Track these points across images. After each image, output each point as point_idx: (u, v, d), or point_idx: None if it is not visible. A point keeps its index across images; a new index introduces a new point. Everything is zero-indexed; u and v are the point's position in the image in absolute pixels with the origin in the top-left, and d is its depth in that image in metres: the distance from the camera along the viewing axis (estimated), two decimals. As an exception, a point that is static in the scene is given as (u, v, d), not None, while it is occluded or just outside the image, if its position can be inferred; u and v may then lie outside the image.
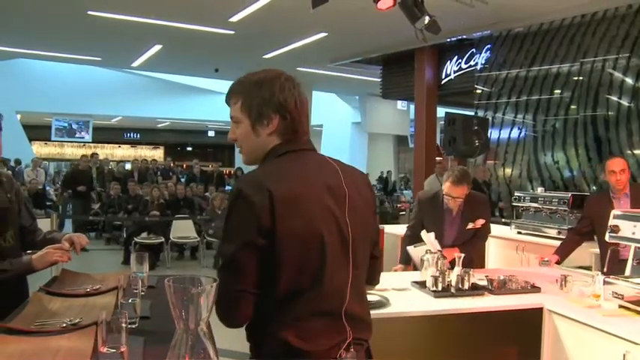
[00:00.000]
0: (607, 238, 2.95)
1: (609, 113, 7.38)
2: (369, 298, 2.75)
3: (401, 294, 2.95)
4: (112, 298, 2.03)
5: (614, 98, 7.31)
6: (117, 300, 1.89)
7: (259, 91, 1.53)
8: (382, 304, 2.69)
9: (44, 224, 6.73)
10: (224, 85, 18.30)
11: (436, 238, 3.54)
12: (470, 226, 3.62)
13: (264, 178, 1.43)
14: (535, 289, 3.06)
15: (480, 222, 3.62)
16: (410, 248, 3.66)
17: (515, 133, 8.70)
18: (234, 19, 8.51)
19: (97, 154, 13.32)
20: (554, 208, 5.21)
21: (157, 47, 11.05)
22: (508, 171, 8.77)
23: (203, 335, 0.98)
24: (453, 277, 2.99)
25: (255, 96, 1.53)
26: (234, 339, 4.99)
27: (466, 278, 2.98)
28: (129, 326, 1.68)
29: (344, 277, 1.48)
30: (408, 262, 3.77)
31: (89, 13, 8.37)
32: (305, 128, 1.59)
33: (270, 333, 1.41)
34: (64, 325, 1.73)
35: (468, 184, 3.57)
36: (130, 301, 1.76)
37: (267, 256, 1.38)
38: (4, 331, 1.68)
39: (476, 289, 2.99)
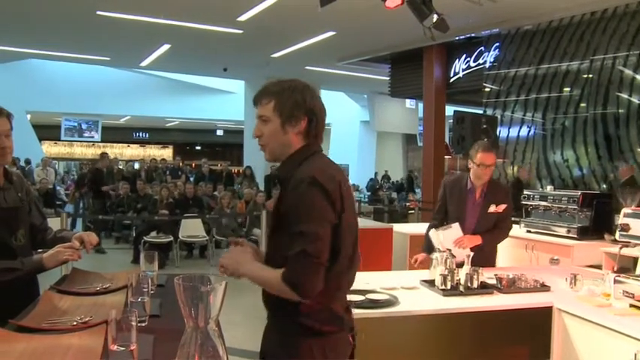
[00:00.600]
0: (617, 236, 2.93)
1: (619, 111, 7.33)
2: (379, 297, 2.77)
3: (410, 292, 2.94)
4: (122, 297, 2.04)
5: (625, 96, 7.26)
6: (127, 298, 1.90)
7: (293, 95, 1.75)
8: (391, 302, 2.69)
9: (54, 223, 6.79)
10: (233, 85, 18.37)
11: (458, 221, 3.60)
12: (492, 209, 3.64)
13: (329, 170, 1.71)
14: (545, 287, 3.05)
15: (502, 207, 3.66)
16: (432, 232, 3.68)
17: (524, 131, 8.66)
18: (243, 18, 8.53)
19: (106, 153, 13.36)
20: (563, 206, 5.18)
21: (166, 47, 11.10)
22: (517, 169, 8.73)
23: (213, 334, 0.99)
24: (461, 275, 2.98)
25: (289, 99, 1.74)
26: (245, 338, 5.03)
27: (475, 277, 2.97)
28: (139, 324, 1.69)
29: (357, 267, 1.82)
30: (430, 251, 3.79)
31: (98, 13, 8.42)
32: (323, 129, 1.83)
33: (322, 303, 1.69)
34: (75, 323, 1.75)
35: (496, 153, 3.72)
36: (139, 299, 1.77)
37: (334, 237, 1.66)
38: (15, 329, 1.69)
39: (485, 288, 2.98)
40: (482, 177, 3.66)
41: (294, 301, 1.65)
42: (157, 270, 2.21)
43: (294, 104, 1.74)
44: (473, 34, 9.24)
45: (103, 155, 11.40)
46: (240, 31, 9.35)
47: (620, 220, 2.88)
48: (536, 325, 2.90)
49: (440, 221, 3.80)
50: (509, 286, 3.02)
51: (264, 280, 1.71)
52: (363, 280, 3.10)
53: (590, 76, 7.70)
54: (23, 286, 2.23)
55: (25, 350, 1.51)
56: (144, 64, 13.13)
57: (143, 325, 1.72)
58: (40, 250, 2.34)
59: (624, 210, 2.93)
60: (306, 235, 1.62)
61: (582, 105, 7.82)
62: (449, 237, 3.51)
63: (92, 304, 1.98)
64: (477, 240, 3.51)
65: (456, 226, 3.58)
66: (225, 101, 20.38)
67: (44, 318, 1.81)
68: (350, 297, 2.16)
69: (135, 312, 1.39)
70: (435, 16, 5.74)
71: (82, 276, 2.38)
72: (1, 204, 2.24)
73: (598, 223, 5.05)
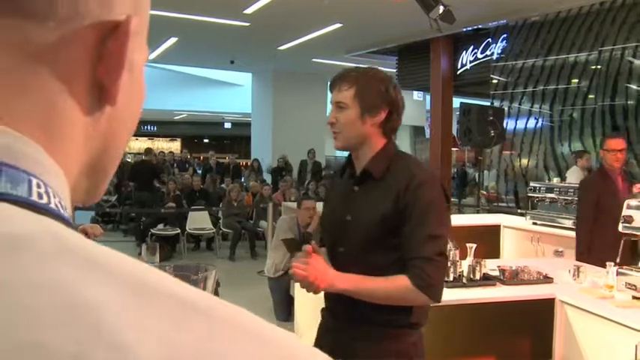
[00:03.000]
0: (620, 228, 2.92)
1: (628, 102, 7.27)
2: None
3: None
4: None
5: (634, 87, 7.20)
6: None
7: (376, 84, 1.68)
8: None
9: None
10: (240, 77, 18.28)
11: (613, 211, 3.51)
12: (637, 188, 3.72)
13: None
14: (547, 279, 3.04)
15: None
16: None
17: (531, 123, 8.61)
18: (249, 10, 8.52)
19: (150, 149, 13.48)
20: (569, 198, 5.15)
21: (173, 40, 11.11)
22: (525, 161, 8.69)
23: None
24: (464, 267, 2.98)
25: (372, 87, 1.67)
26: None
27: (477, 269, 2.97)
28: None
29: None
30: None
31: (105, 6, 8.43)
32: (399, 124, 1.78)
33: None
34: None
35: (624, 138, 3.89)
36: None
37: None
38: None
39: (487, 280, 2.98)
40: (614, 163, 3.77)
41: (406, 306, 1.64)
42: (159, 261, 2.23)
43: (376, 93, 1.67)
44: (480, 26, 9.18)
45: (148, 149, 11.21)
46: (247, 24, 9.34)
47: (624, 211, 2.87)
48: (539, 317, 2.89)
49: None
50: (512, 277, 3.02)
51: (383, 292, 1.60)
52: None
53: (599, 67, 7.64)
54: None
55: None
56: (151, 57, 13.15)
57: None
58: None
59: (627, 202, 2.92)
60: (440, 238, 1.61)
61: (590, 96, 7.76)
62: None
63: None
64: None
65: None
66: (232, 94, 20.38)
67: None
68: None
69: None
70: (442, 8, 5.72)
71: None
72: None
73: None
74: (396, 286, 1.58)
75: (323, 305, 1.83)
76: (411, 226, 1.60)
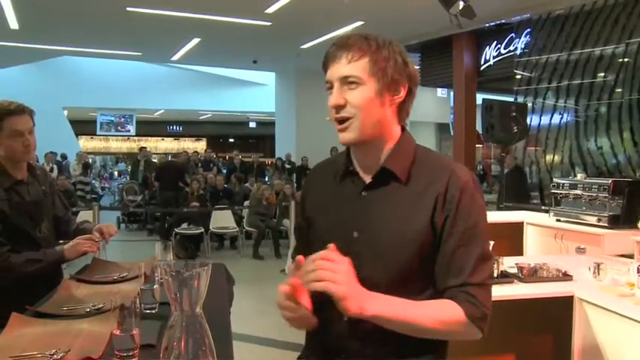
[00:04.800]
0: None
1: (657, 96, 7.10)
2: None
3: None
4: (137, 285, 2.09)
5: (662, 80, 7.03)
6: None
7: (393, 53, 1.27)
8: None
9: (87, 216, 6.96)
10: (264, 77, 18.48)
11: None
12: None
13: None
14: (567, 277, 2.99)
15: None
16: None
17: (556, 118, 8.47)
18: (271, 10, 8.56)
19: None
20: (594, 194, 5.05)
21: (196, 40, 11.22)
22: (549, 157, 8.56)
23: (198, 318, 1.01)
24: (481, 264, 2.94)
25: (390, 57, 1.26)
26: (272, 327, 5.07)
27: (495, 266, 2.93)
28: (150, 311, 1.74)
29: None
30: None
31: (128, 9, 8.57)
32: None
33: None
34: (88, 310, 1.80)
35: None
36: (149, 287, 1.81)
37: None
38: (33, 315, 1.76)
39: (505, 277, 2.94)
40: None
41: None
42: (172, 259, 2.25)
43: (395, 65, 1.26)
44: (503, 21, 9.07)
45: (184, 152, 11.30)
46: (269, 23, 9.39)
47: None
48: (558, 315, 2.85)
49: None
50: (531, 275, 2.97)
51: (429, 325, 1.23)
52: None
53: (626, 60, 7.47)
54: (52, 276, 2.31)
55: (39, 334, 1.57)
56: (174, 58, 13.31)
57: (153, 312, 1.76)
58: (61, 242, 2.42)
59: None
60: (489, 258, 1.28)
61: (617, 90, 7.60)
62: None
63: (107, 292, 2.03)
64: None
65: None
66: (257, 93, 20.51)
67: (61, 305, 1.87)
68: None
69: (136, 299, 1.43)
70: (462, 4, 5.67)
71: (102, 265, 2.45)
72: (25, 197, 2.32)
73: (630, 211, 4.91)
74: (447, 317, 1.23)
75: None
76: (456, 243, 1.24)
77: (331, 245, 1.20)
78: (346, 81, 1.26)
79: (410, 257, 1.25)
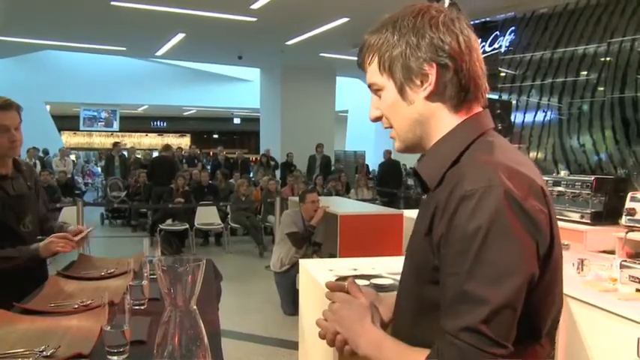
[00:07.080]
0: (623, 221, 2.90)
1: (638, 94, 7.18)
2: (384, 281, 2.77)
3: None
4: (125, 281, 2.08)
5: (644, 79, 7.12)
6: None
7: (399, 34, 1.04)
8: (396, 287, 2.68)
9: (71, 212, 6.90)
10: (249, 73, 18.39)
11: None
12: None
13: (522, 170, 0.96)
14: (551, 272, 3.03)
15: None
16: None
17: (540, 116, 8.54)
18: (256, 6, 8.53)
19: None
20: (577, 191, 5.13)
21: (181, 36, 11.15)
22: (533, 154, 8.64)
23: (192, 313, 1.01)
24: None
25: (395, 44, 1.04)
26: (260, 324, 5.08)
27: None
28: (137, 307, 1.73)
29: None
30: None
31: (112, 3, 8.48)
32: (482, 82, 1.09)
33: None
34: (76, 306, 1.79)
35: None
36: (138, 283, 1.80)
37: (530, 298, 0.98)
38: (20, 312, 1.75)
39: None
40: None
41: None
42: (160, 255, 2.25)
43: (405, 50, 1.03)
44: (488, 19, 9.13)
45: (168, 146, 11.15)
46: (254, 19, 9.35)
47: (627, 204, 2.85)
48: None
49: None
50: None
51: None
52: (370, 265, 3.12)
53: (608, 59, 7.56)
54: (35, 273, 2.29)
55: (27, 330, 1.56)
56: (159, 53, 13.21)
57: (142, 307, 1.76)
58: (39, 237, 2.38)
59: (631, 194, 2.90)
60: (479, 302, 0.87)
61: (600, 89, 7.67)
62: None
63: (95, 288, 2.02)
64: None
65: None
66: (242, 89, 20.45)
67: (48, 301, 1.86)
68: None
69: (127, 295, 1.43)
70: (447, 1, 5.69)
71: (89, 262, 2.44)
72: (10, 192, 2.29)
73: (612, 207, 4.98)
74: None
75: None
76: (444, 270, 0.94)
77: (350, 279, 1.16)
78: (373, 89, 1.10)
79: (421, 283, 1.02)
